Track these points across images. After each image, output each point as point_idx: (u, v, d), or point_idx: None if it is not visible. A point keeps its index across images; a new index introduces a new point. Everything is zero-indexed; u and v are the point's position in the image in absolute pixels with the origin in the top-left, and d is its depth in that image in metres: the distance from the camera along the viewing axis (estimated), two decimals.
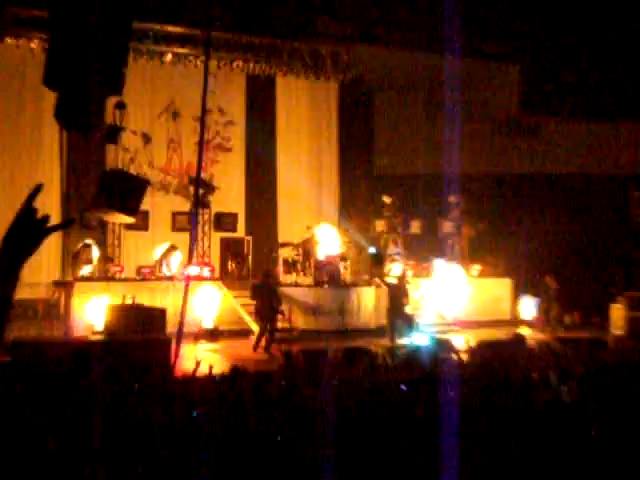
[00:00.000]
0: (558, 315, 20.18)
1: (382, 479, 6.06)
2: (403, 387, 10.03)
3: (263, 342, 17.05)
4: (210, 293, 18.35)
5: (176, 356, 13.35)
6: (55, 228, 2.94)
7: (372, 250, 20.83)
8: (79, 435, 5.83)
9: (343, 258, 20.67)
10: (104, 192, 16.11)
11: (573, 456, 6.75)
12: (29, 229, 2.87)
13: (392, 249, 21.50)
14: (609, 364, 12.71)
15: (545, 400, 9.22)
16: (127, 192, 16.11)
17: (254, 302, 17.93)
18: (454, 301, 20.68)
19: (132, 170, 18.94)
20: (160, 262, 19.26)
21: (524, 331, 18.30)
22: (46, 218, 2.91)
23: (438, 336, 17.29)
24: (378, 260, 20.61)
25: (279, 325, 17.84)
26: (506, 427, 7.61)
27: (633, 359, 13.29)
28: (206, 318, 18.00)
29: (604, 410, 8.50)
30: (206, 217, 19.87)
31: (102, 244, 19.10)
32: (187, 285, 14.83)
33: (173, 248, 19.10)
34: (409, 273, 20.01)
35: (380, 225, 22.12)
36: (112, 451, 5.99)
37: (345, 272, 20.56)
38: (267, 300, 17.60)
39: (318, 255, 20.36)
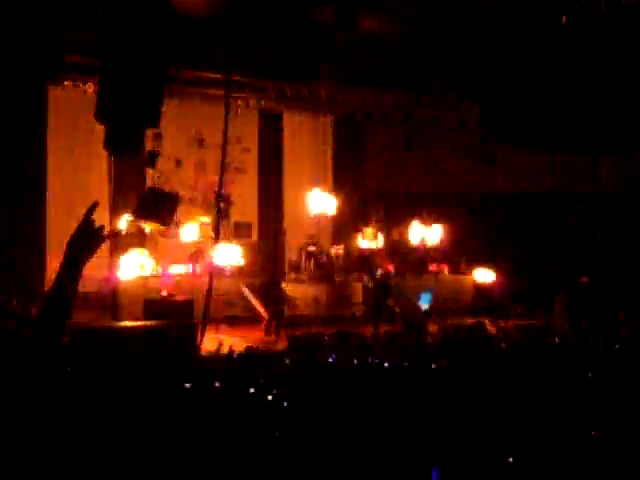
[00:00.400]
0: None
1: (373, 437, 6.07)
2: (386, 364, 10.06)
3: (272, 327, 17.08)
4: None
5: (201, 338, 13.42)
6: (109, 236, 3.00)
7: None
8: (123, 399, 5.87)
9: (337, 258, 20.76)
10: (144, 206, 16.15)
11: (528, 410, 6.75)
12: (88, 237, 2.92)
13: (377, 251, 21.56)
14: (552, 342, 12.80)
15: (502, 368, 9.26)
16: (162, 206, 16.16)
17: (261, 293, 18.01)
18: (427, 293, 20.71)
19: (166, 188, 18.98)
20: (189, 262, 19.33)
21: (484, 319, 18.35)
22: (102, 228, 2.97)
23: (414, 321, 17.34)
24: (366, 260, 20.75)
25: (285, 313, 17.90)
26: (472, 390, 7.64)
27: (570, 337, 13.39)
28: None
29: (549, 374, 8.52)
30: (227, 226, 19.93)
31: (142, 248, 19.12)
32: (211, 279, 14.91)
33: (200, 251, 19.15)
34: (391, 272, 20.06)
35: (368, 232, 22.16)
36: (151, 418, 6.01)
37: (338, 270, 20.65)
38: (273, 292, 17.66)
39: (317, 257, 20.45)
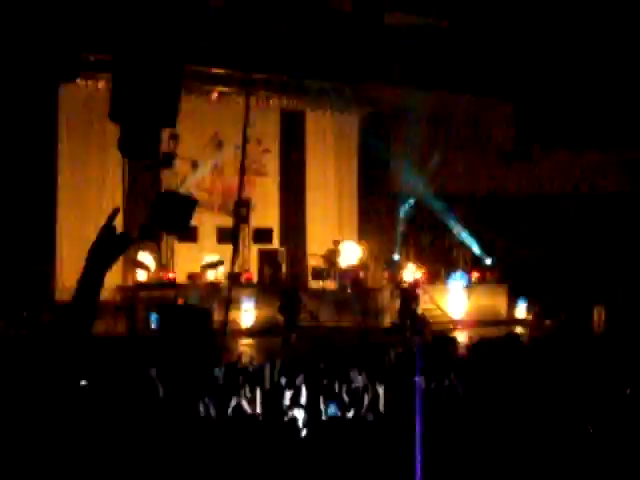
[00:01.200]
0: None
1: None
2: (416, 379, 10.01)
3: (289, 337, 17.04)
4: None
5: (220, 349, 13.44)
6: (131, 242, 3.03)
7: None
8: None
9: (363, 267, 20.72)
10: (160, 210, 16.15)
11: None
12: (110, 244, 2.96)
13: (405, 258, 21.51)
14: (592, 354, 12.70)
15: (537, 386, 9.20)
16: (178, 210, 16.16)
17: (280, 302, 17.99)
18: (458, 303, 20.65)
19: (182, 191, 19.05)
20: (206, 269, 19.36)
21: (518, 330, 18.29)
22: (124, 235, 3.00)
23: (444, 334, 17.27)
24: (394, 268, 20.65)
25: (307, 324, 17.89)
26: (504, 413, 7.58)
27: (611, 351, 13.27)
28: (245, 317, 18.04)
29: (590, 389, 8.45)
30: (246, 231, 19.98)
31: (157, 254, 19.20)
32: (230, 288, 14.95)
33: (220, 262, 19.13)
34: (419, 279, 20.03)
35: (396, 237, 22.15)
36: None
37: (365, 278, 20.60)
38: (293, 300, 17.65)
39: (342, 264, 20.42)
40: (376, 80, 22.25)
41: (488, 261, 22.32)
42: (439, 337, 16.52)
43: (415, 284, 19.11)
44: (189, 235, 18.97)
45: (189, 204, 16.90)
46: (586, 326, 19.52)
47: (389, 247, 22.06)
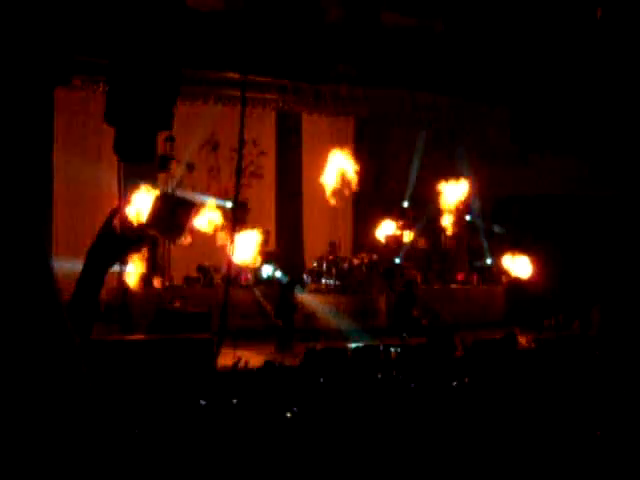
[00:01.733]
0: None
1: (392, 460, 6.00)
2: (412, 385, 9.95)
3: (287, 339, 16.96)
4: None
5: (218, 353, 13.37)
6: (132, 243, 2.98)
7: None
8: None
9: (360, 266, 20.66)
10: (156, 212, 16.07)
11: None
12: (110, 245, 2.90)
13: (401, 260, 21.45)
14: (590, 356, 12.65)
15: (533, 392, 9.13)
16: (179, 214, 16.09)
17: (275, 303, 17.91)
18: (455, 304, 20.58)
19: (179, 194, 18.96)
20: (205, 270, 19.30)
21: (515, 331, 18.20)
22: (125, 236, 2.93)
23: (440, 335, 17.19)
24: (390, 270, 20.58)
25: (302, 326, 17.82)
26: (500, 421, 7.49)
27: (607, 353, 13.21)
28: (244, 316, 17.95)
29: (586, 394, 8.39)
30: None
31: (154, 256, 19.10)
32: (227, 289, 14.84)
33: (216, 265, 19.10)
34: (416, 281, 19.97)
35: (391, 237, 22.07)
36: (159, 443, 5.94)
37: (361, 279, 20.53)
38: (288, 301, 17.58)
39: (339, 266, 20.37)
40: (371, 83, 22.23)
41: (487, 262, 22.34)
42: (439, 333, 16.44)
43: (410, 285, 19.04)
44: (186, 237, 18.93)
45: (187, 207, 16.89)
46: (585, 327, 19.46)
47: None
